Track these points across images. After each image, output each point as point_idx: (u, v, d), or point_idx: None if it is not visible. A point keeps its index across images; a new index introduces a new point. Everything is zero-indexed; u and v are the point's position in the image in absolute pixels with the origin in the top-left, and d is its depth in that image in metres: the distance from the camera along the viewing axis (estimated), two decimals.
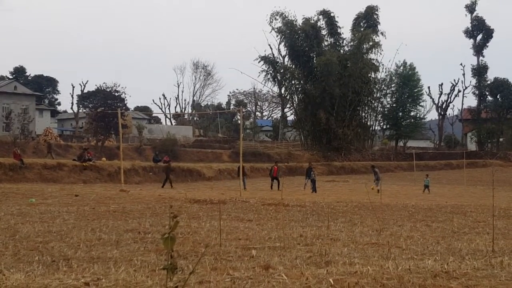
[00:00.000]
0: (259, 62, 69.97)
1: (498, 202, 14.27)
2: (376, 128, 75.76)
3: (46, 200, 17.86)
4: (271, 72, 70.24)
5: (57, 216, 12.70)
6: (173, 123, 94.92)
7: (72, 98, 74.65)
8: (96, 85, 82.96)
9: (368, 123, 72.28)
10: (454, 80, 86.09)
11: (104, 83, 54.67)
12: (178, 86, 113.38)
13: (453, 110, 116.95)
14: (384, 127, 78.43)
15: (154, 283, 4.63)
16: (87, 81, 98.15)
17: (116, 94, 53.56)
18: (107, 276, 5.09)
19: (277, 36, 69.82)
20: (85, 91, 70.82)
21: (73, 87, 75.60)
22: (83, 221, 11.90)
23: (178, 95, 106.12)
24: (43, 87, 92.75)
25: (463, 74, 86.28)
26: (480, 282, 4.64)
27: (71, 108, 77.24)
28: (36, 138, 55.05)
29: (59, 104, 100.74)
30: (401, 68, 74.83)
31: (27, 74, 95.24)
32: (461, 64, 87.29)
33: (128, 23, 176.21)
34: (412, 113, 76.40)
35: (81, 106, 70.30)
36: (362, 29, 68.23)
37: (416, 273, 4.96)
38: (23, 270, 5.82)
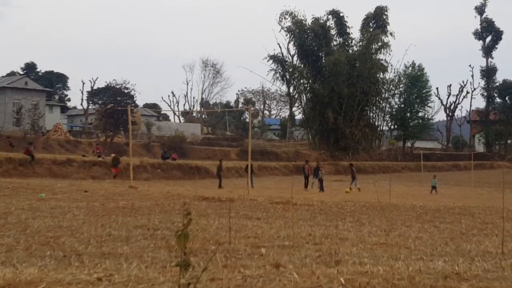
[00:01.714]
0: (268, 61, 70.10)
1: (506, 204, 14.23)
2: (383, 128, 75.69)
3: (56, 196, 17.99)
4: (279, 71, 70.28)
5: (67, 212, 12.79)
6: (182, 121, 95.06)
7: (82, 94, 74.93)
8: (106, 81, 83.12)
9: (376, 123, 72.14)
10: (463, 82, 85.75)
11: (113, 80, 54.64)
12: (187, 83, 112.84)
13: (461, 112, 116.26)
14: (392, 127, 78.26)
15: (167, 279, 4.67)
16: (97, 77, 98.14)
17: (126, 91, 53.73)
18: (119, 272, 5.14)
19: (286, 35, 69.91)
20: (95, 87, 71.02)
21: (83, 83, 76.09)
22: (93, 216, 11.98)
23: (187, 93, 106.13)
24: (53, 83, 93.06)
25: (472, 76, 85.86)
26: (491, 284, 4.65)
27: (81, 104, 77.54)
28: (46, 133, 55.30)
29: (69, 100, 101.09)
30: (410, 68, 74.67)
31: (38, 70, 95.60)
32: (469, 66, 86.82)
33: (138, 21, 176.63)
34: (420, 114, 76.24)
35: (90, 102, 70.48)
36: (371, 29, 68.09)
37: (426, 274, 4.98)
38: (36, 265, 5.89)
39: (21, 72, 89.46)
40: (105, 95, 56.46)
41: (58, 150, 45.35)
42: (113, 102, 52.28)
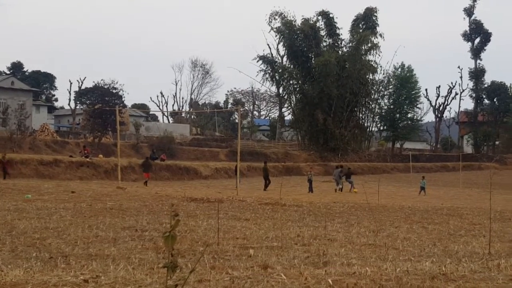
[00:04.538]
0: (257, 61, 70.15)
1: (494, 205, 14.31)
2: (373, 129, 75.94)
3: (42, 196, 17.85)
4: (269, 71, 70.32)
5: (54, 213, 12.68)
6: (171, 121, 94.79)
7: (70, 94, 74.52)
8: (93, 81, 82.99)
9: (365, 124, 72.38)
10: (452, 83, 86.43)
11: (101, 79, 54.37)
12: (176, 84, 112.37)
13: (450, 113, 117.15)
14: (381, 128, 78.57)
15: (154, 281, 4.63)
16: (85, 77, 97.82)
17: (114, 91, 53.45)
18: (106, 274, 5.10)
19: (276, 36, 69.98)
20: (83, 87, 70.64)
21: (71, 83, 75.78)
22: (80, 217, 11.89)
23: (175, 93, 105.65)
24: (40, 83, 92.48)
25: (461, 77, 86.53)
26: (477, 284, 4.66)
27: (68, 104, 77.09)
28: (33, 134, 54.87)
29: (56, 100, 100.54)
30: (399, 70, 75.03)
31: (25, 69, 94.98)
32: (458, 67, 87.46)
33: (126, 21, 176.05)
34: (409, 115, 76.66)
35: (78, 102, 70.12)
36: (361, 31, 68.31)
37: (414, 275, 4.98)
38: (21, 266, 5.82)
39: (8, 72, 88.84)
40: (93, 95, 56.14)
41: (45, 150, 45.00)
42: (101, 102, 51.97)
